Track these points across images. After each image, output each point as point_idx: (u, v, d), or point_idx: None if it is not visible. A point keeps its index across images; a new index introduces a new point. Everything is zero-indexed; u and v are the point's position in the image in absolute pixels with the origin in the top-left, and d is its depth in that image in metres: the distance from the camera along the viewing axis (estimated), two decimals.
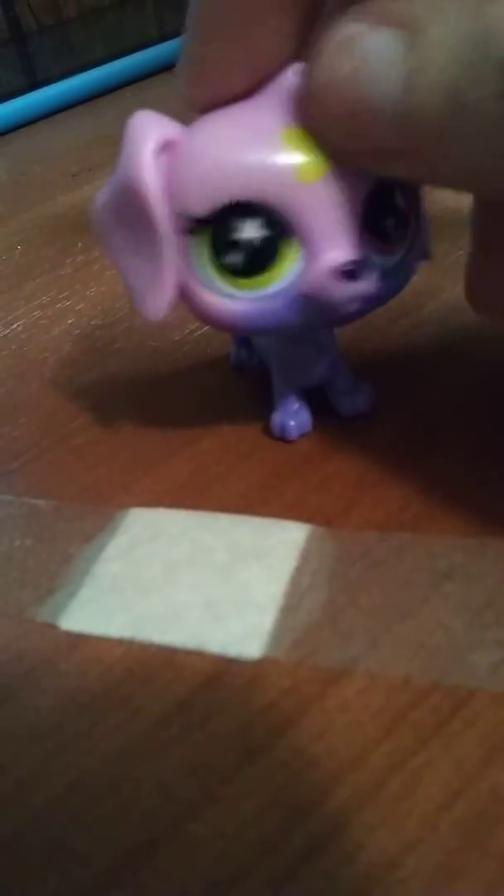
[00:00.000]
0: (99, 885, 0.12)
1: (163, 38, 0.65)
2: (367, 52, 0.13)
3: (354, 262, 0.16)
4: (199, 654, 0.15)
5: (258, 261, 0.16)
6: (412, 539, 0.16)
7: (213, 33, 0.15)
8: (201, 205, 0.16)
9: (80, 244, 0.33)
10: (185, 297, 0.17)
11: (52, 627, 0.16)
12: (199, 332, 0.25)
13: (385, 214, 0.16)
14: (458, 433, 0.19)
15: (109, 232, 0.17)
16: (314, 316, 0.17)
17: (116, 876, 0.12)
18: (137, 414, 0.22)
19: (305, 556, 0.16)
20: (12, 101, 0.53)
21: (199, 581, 0.16)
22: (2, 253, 0.34)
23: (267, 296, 0.16)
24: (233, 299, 0.16)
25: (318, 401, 0.20)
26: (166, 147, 0.16)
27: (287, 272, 0.16)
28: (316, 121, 0.15)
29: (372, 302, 0.17)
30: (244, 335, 0.22)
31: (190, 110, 0.16)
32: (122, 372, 0.24)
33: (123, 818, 0.13)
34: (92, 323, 0.27)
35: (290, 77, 0.15)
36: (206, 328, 0.25)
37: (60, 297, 0.29)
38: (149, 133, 0.16)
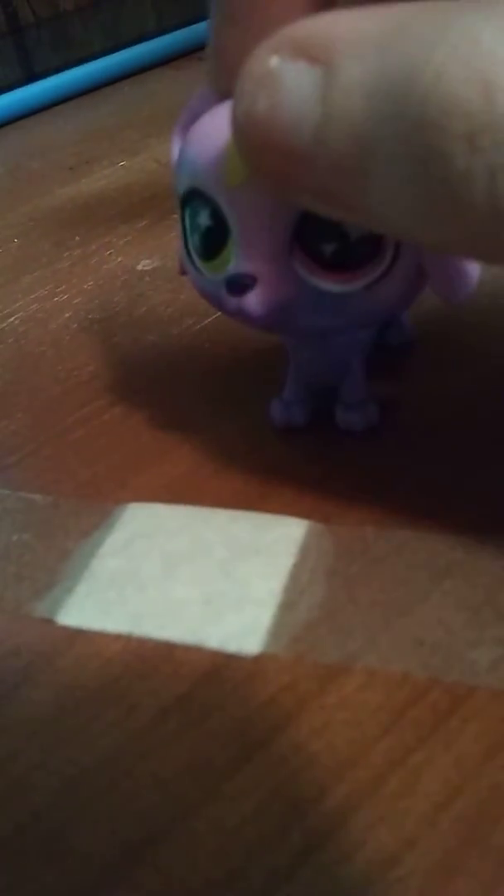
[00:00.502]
0: (98, 881, 0.12)
1: (161, 31, 0.65)
2: (282, 88, 0.13)
3: (240, 277, 0.16)
4: (197, 650, 0.15)
5: (208, 247, 0.17)
6: (412, 536, 0.16)
7: (238, 23, 0.15)
8: (179, 184, 0.17)
9: (77, 238, 0.33)
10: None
11: (50, 623, 0.16)
12: (198, 327, 0.25)
13: (327, 238, 0.15)
14: (459, 430, 0.19)
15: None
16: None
17: (115, 872, 0.12)
18: (135, 408, 0.22)
19: (304, 553, 0.16)
20: (8, 93, 0.52)
21: (197, 576, 0.16)
22: None
23: (213, 281, 0.17)
24: (200, 276, 0.17)
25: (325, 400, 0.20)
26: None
27: (230, 263, 0.16)
28: (243, 156, 0.14)
29: (312, 322, 0.16)
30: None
31: (220, 94, 0.16)
32: (120, 366, 0.24)
33: (122, 814, 0.13)
34: (89, 317, 0.27)
35: None
36: (204, 323, 0.25)
37: (58, 290, 0.29)
38: (189, 109, 0.17)
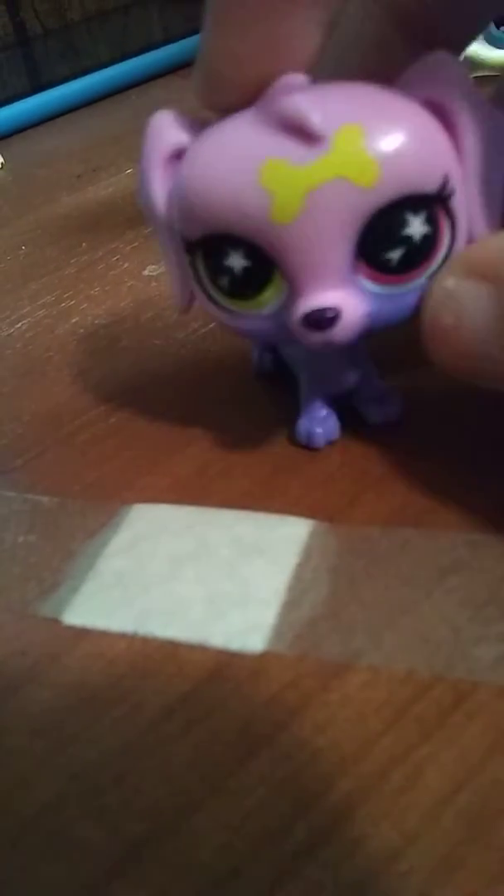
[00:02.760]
0: (103, 876, 0.12)
1: (167, 41, 0.65)
2: (460, 306, 0.15)
3: (323, 312, 0.15)
4: (201, 648, 0.15)
5: (245, 286, 0.16)
6: (415, 534, 0.16)
7: (230, 28, 0.15)
8: (191, 231, 0.16)
9: (84, 244, 0.33)
10: (198, 301, 0.17)
11: (56, 622, 0.16)
12: (204, 330, 0.25)
13: (391, 246, 0.15)
14: (462, 428, 0.19)
15: (150, 221, 0.17)
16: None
17: (120, 867, 0.12)
18: (141, 411, 0.22)
19: (308, 552, 0.16)
20: (17, 103, 0.53)
21: (202, 576, 0.16)
22: (6, 253, 0.35)
23: (260, 317, 0.16)
24: (232, 314, 0.17)
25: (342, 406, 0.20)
26: (178, 154, 0.16)
27: (274, 300, 0.16)
28: (435, 363, 0.15)
29: (381, 326, 0.16)
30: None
31: (206, 109, 0.16)
32: (126, 370, 0.24)
33: (127, 810, 0.13)
34: (96, 322, 0.27)
35: (281, 93, 0.15)
36: (210, 326, 0.25)
37: (65, 296, 0.30)
38: (161, 141, 0.16)
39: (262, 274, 0.16)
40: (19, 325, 0.28)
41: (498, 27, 0.28)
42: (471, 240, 0.16)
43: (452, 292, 0.15)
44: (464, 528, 0.16)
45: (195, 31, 0.59)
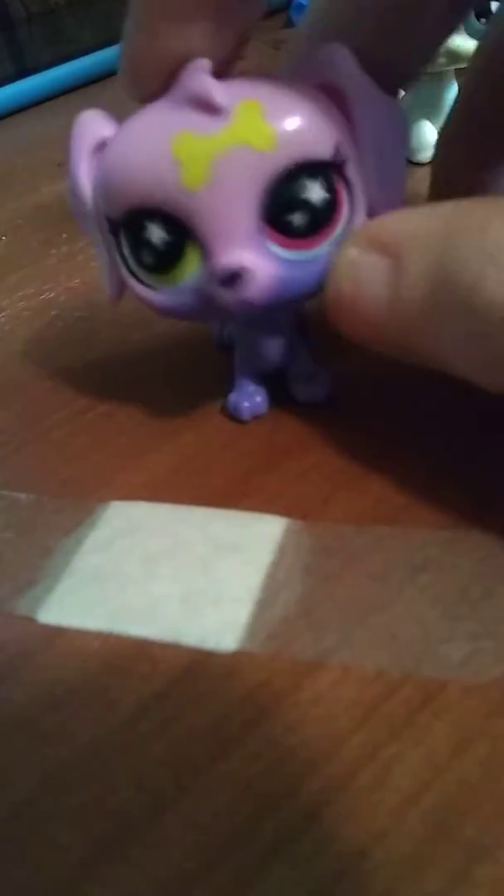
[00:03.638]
0: (73, 875, 0.12)
1: None
2: (361, 275, 0.16)
3: (233, 270, 0.16)
4: (175, 647, 0.15)
5: (165, 260, 0.17)
6: (389, 532, 0.16)
7: (147, 30, 0.16)
8: (113, 210, 0.17)
9: (64, 235, 0.33)
10: (127, 285, 0.18)
11: (31, 621, 0.16)
12: (182, 324, 0.25)
13: (292, 209, 0.16)
14: (435, 425, 0.19)
15: (77, 219, 0.19)
16: (223, 312, 0.17)
17: (90, 866, 0.12)
18: (119, 406, 0.22)
19: (282, 550, 0.17)
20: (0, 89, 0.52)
21: (177, 574, 0.17)
22: None
23: (179, 290, 0.17)
24: (155, 291, 0.18)
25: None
26: (102, 147, 0.17)
27: (193, 271, 0.17)
28: (335, 328, 0.17)
29: (293, 294, 0.17)
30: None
31: (130, 100, 0.17)
32: (105, 364, 0.24)
33: (98, 810, 0.13)
34: (75, 314, 0.27)
35: (188, 76, 0.16)
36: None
37: (44, 288, 0.29)
38: (86, 134, 0.17)
39: (179, 245, 0.17)
40: None
41: (479, 19, 0.27)
42: (372, 214, 0.17)
43: (354, 262, 0.16)
44: (437, 525, 0.16)
45: None
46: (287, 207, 0.16)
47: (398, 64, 0.18)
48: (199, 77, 0.16)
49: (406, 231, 0.16)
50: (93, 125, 0.18)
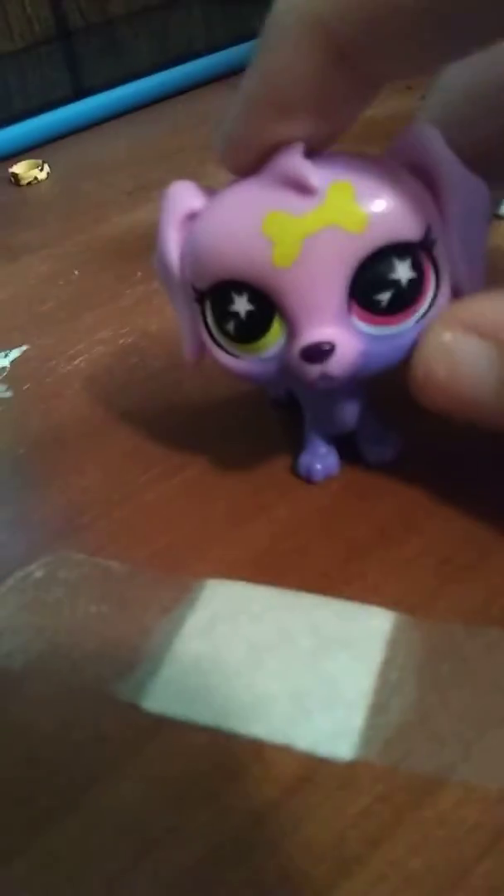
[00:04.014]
0: None
1: (209, 41, 0.65)
2: (457, 360, 0.16)
3: (319, 346, 0.17)
4: (287, 751, 0.15)
5: (249, 330, 0.18)
6: (501, 636, 0.16)
7: (252, 115, 0.17)
8: (201, 280, 0.18)
9: (139, 273, 0.33)
10: (206, 349, 0.19)
11: (134, 707, 0.16)
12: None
13: (380, 288, 0.17)
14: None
15: (163, 281, 0.20)
16: (305, 383, 0.18)
17: None
18: (208, 470, 0.22)
19: (393, 649, 0.16)
20: (60, 109, 0.52)
21: (283, 669, 0.16)
22: (59, 277, 0.34)
23: (263, 360, 0.18)
24: (237, 358, 0.18)
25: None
26: (191, 217, 0.18)
27: (276, 343, 0.18)
28: (421, 403, 0.17)
29: (375, 367, 0.18)
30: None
31: (227, 171, 0.18)
32: (190, 421, 0.24)
33: None
34: (156, 364, 0.27)
35: (284, 157, 0.17)
36: None
37: (122, 332, 0.29)
38: (176, 206, 0.18)
39: (265, 317, 0.17)
40: (77, 361, 0.28)
41: None
42: (456, 292, 0.18)
43: (447, 345, 0.16)
44: None
45: (237, 35, 0.59)
46: (375, 286, 0.17)
47: None
48: (294, 158, 0.16)
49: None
50: (184, 196, 0.18)
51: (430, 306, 0.17)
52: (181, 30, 0.71)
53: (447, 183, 0.17)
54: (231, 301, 0.17)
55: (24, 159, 0.48)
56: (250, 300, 0.17)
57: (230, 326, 0.18)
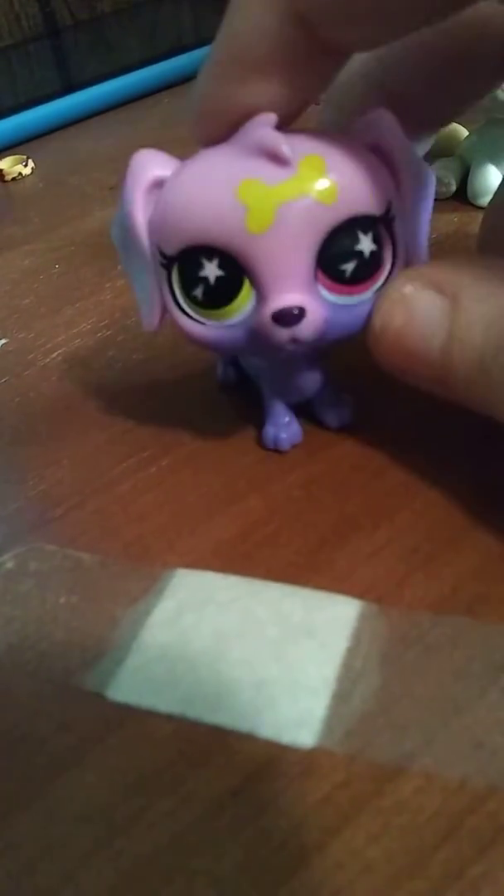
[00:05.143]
0: None
1: (199, 38, 0.64)
2: (414, 310, 0.17)
3: (290, 310, 0.17)
4: (251, 739, 0.15)
5: (218, 296, 0.18)
6: (467, 624, 0.16)
7: (223, 80, 0.17)
8: (170, 245, 0.18)
9: (119, 267, 0.33)
10: (169, 317, 0.19)
11: (99, 697, 0.16)
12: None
13: (345, 259, 0.17)
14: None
15: (121, 250, 0.20)
16: (271, 348, 0.18)
17: None
18: (182, 462, 0.22)
19: (357, 637, 0.16)
20: (48, 104, 0.52)
21: (249, 657, 0.16)
22: (40, 272, 0.34)
23: (229, 326, 0.18)
24: (203, 325, 0.19)
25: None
26: (158, 184, 0.18)
27: (244, 308, 0.18)
28: (376, 356, 0.18)
29: (335, 335, 0.18)
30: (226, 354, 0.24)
31: (196, 142, 0.18)
32: (166, 413, 0.24)
33: None
34: (134, 357, 0.27)
35: (256, 128, 0.17)
36: None
37: (101, 325, 0.29)
38: (144, 172, 0.18)
39: (234, 283, 0.18)
40: (54, 355, 0.28)
41: None
42: (408, 265, 0.18)
43: (408, 296, 0.17)
44: None
45: None
46: (340, 257, 0.17)
47: (438, 112, 0.20)
48: (267, 129, 0.17)
49: (466, 276, 0.17)
50: (151, 162, 0.18)
51: (387, 279, 0.18)
52: (169, 25, 0.71)
53: (404, 163, 0.18)
54: (201, 266, 0.18)
55: (9, 155, 0.48)
56: (220, 265, 0.17)
57: (198, 292, 0.18)
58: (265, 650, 0.16)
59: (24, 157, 0.47)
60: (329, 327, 0.18)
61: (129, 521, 0.21)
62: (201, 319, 0.19)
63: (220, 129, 0.18)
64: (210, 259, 0.17)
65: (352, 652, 0.16)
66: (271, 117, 0.17)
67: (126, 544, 0.20)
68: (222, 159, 0.18)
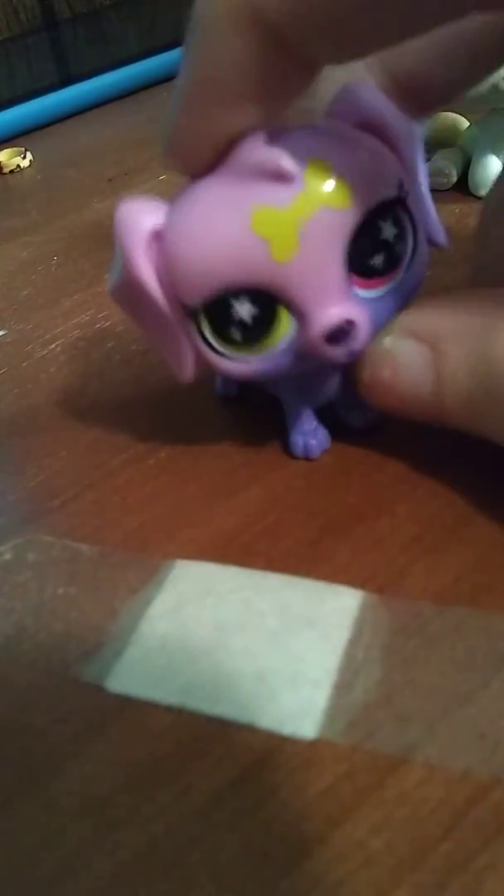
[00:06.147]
0: None
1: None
2: (398, 364, 0.17)
3: (341, 327, 0.17)
4: (250, 730, 0.15)
5: (255, 333, 0.17)
6: (470, 615, 0.16)
7: (196, 112, 0.16)
8: (191, 297, 0.17)
9: None
10: (204, 362, 0.18)
11: (98, 689, 0.16)
12: None
13: (373, 253, 0.17)
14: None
15: (128, 311, 0.19)
16: (322, 364, 0.18)
17: None
18: (182, 453, 0.22)
19: (359, 627, 0.16)
20: (45, 96, 0.52)
21: (249, 648, 0.16)
22: (38, 263, 0.34)
23: (272, 355, 0.18)
24: (243, 362, 0.18)
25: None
26: (156, 236, 0.17)
27: (284, 335, 0.17)
28: (368, 402, 0.19)
29: (378, 329, 0.18)
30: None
31: (172, 169, 0.18)
32: (166, 405, 0.24)
33: None
34: (132, 348, 0.27)
35: (248, 149, 0.16)
36: None
37: (99, 316, 0.29)
38: (137, 226, 0.17)
39: (269, 315, 0.17)
40: (53, 346, 0.28)
41: None
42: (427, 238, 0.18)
43: (390, 349, 0.17)
44: None
45: None
46: (368, 252, 0.17)
47: (441, 93, 0.20)
48: (260, 148, 0.16)
49: (443, 321, 0.17)
50: (141, 214, 0.17)
51: (414, 253, 0.18)
52: (168, 18, 0.71)
53: (401, 134, 0.17)
54: (231, 307, 0.17)
55: (7, 148, 0.48)
56: (252, 302, 0.17)
57: (235, 334, 0.17)
58: (266, 641, 0.16)
59: (23, 149, 0.46)
60: (376, 326, 0.17)
61: (128, 512, 0.20)
62: (243, 358, 0.18)
63: (202, 159, 0.17)
64: (239, 299, 0.17)
65: (353, 642, 0.16)
66: (260, 134, 0.16)
67: (125, 535, 0.20)
68: (223, 192, 0.17)
